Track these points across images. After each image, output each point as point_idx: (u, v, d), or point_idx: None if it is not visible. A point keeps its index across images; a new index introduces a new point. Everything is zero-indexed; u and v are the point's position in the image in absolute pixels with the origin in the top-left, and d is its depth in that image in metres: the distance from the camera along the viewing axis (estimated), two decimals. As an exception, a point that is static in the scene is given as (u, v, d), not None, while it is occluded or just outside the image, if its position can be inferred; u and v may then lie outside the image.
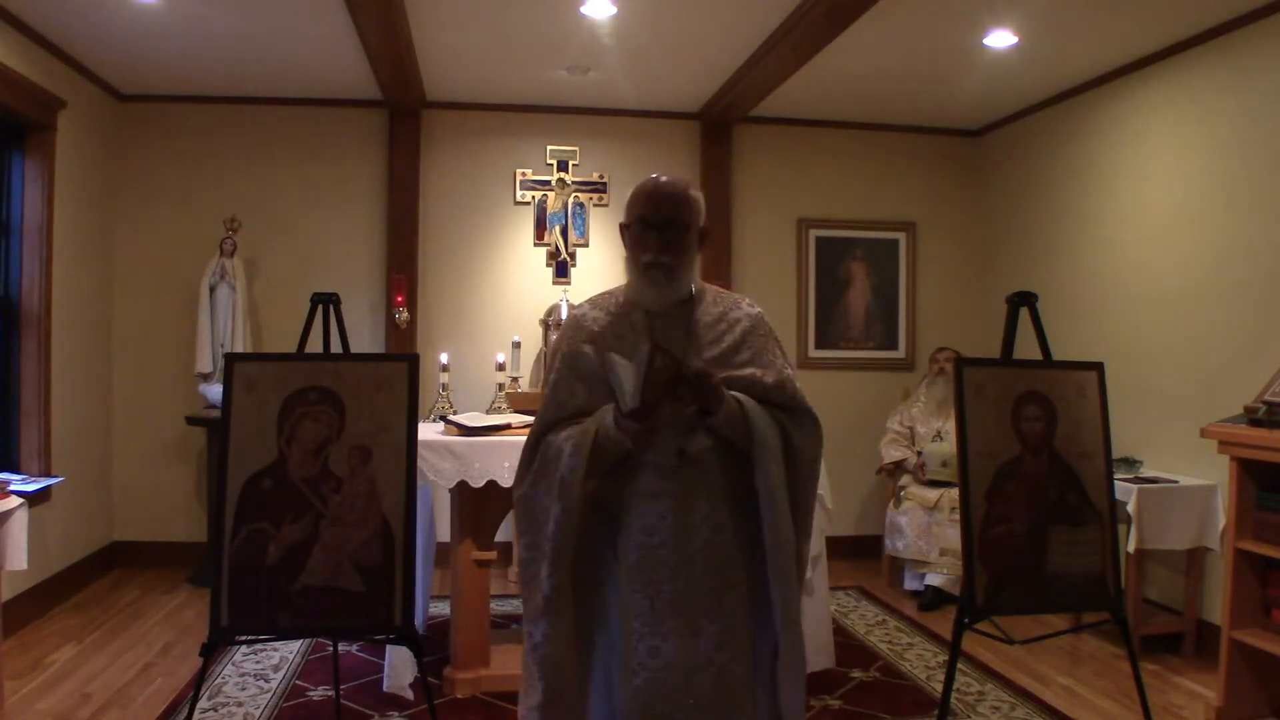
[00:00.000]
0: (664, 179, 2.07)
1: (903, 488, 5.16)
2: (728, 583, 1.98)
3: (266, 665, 3.82)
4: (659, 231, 2.00)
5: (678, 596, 1.94)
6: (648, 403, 1.84)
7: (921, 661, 4.03)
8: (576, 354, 2.05)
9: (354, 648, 4.01)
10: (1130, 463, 4.37)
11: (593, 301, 2.15)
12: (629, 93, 5.41)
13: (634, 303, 2.08)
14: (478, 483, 3.51)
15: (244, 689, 3.56)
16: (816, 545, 3.50)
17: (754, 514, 2.00)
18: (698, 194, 2.08)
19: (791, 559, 1.97)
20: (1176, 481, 4.16)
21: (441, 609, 4.49)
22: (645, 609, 1.94)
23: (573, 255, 5.81)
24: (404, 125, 5.60)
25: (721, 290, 2.19)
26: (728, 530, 1.99)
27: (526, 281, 5.77)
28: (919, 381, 5.65)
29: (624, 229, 2.09)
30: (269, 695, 3.51)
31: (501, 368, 4.67)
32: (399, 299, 5.40)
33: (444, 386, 4.45)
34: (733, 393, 1.96)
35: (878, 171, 6.08)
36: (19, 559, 3.34)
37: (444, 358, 4.52)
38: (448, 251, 5.71)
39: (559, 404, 2.04)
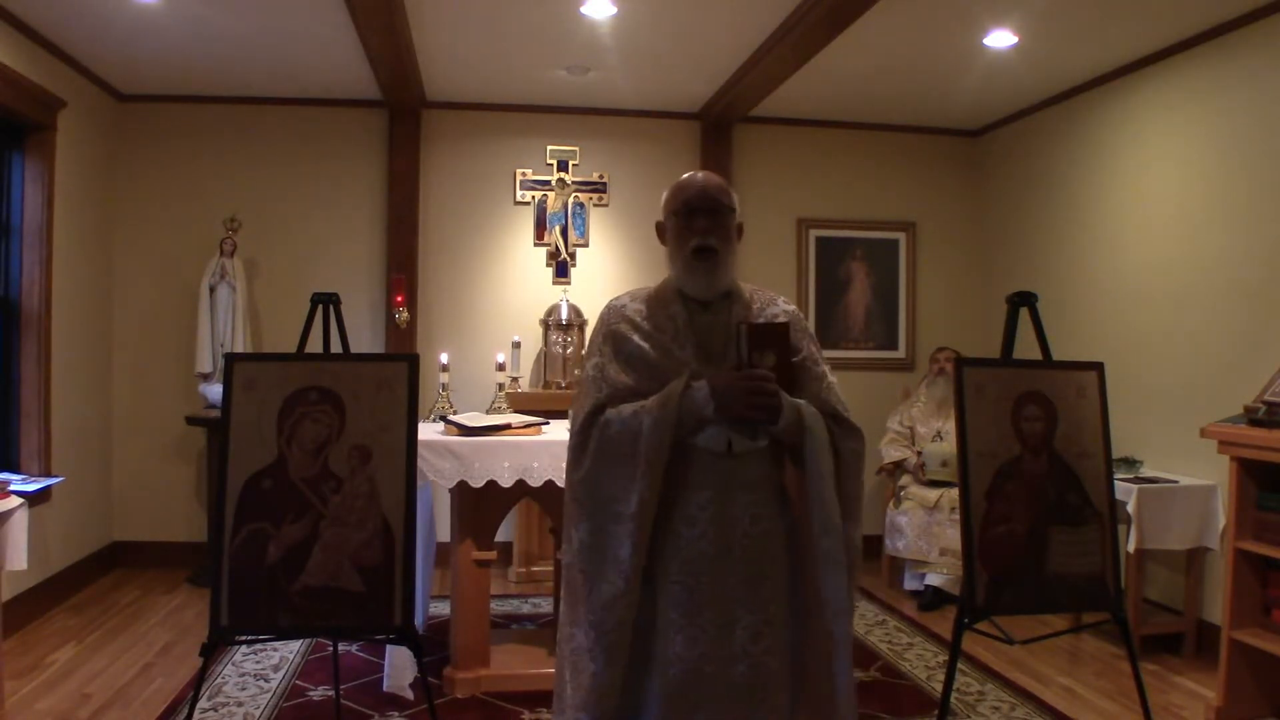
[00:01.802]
0: (701, 173, 2.14)
1: (903, 488, 5.16)
2: (764, 573, 1.99)
3: (266, 665, 3.82)
4: (706, 216, 2.05)
5: (715, 587, 1.95)
6: (753, 365, 1.95)
7: (921, 661, 4.03)
8: (622, 337, 2.06)
9: (354, 648, 4.01)
10: (1130, 463, 4.37)
11: (630, 294, 2.17)
12: (629, 93, 5.41)
13: (673, 297, 2.09)
14: (478, 483, 3.51)
15: (244, 689, 3.56)
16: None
17: (788, 508, 2.04)
18: (732, 190, 2.15)
19: (841, 545, 1.98)
20: (1176, 481, 4.16)
21: (441, 609, 4.49)
22: (683, 599, 1.95)
23: (573, 255, 5.81)
24: (404, 125, 5.60)
25: (756, 287, 2.22)
26: (766, 521, 2.01)
27: (526, 281, 5.77)
28: (919, 381, 5.64)
29: (662, 225, 2.14)
30: (269, 695, 3.51)
31: (501, 368, 4.67)
32: (399, 299, 5.40)
33: (444, 386, 4.45)
34: (790, 399, 2.00)
35: (878, 171, 6.08)
36: (19, 559, 3.34)
37: (444, 358, 4.52)
38: (448, 251, 5.71)
39: (609, 383, 2.02)
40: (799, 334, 2.11)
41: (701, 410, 1.94)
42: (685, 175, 2.14)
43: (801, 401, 2.01)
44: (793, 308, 2.19)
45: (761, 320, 2.09)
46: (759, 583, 1.98)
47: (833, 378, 2.15)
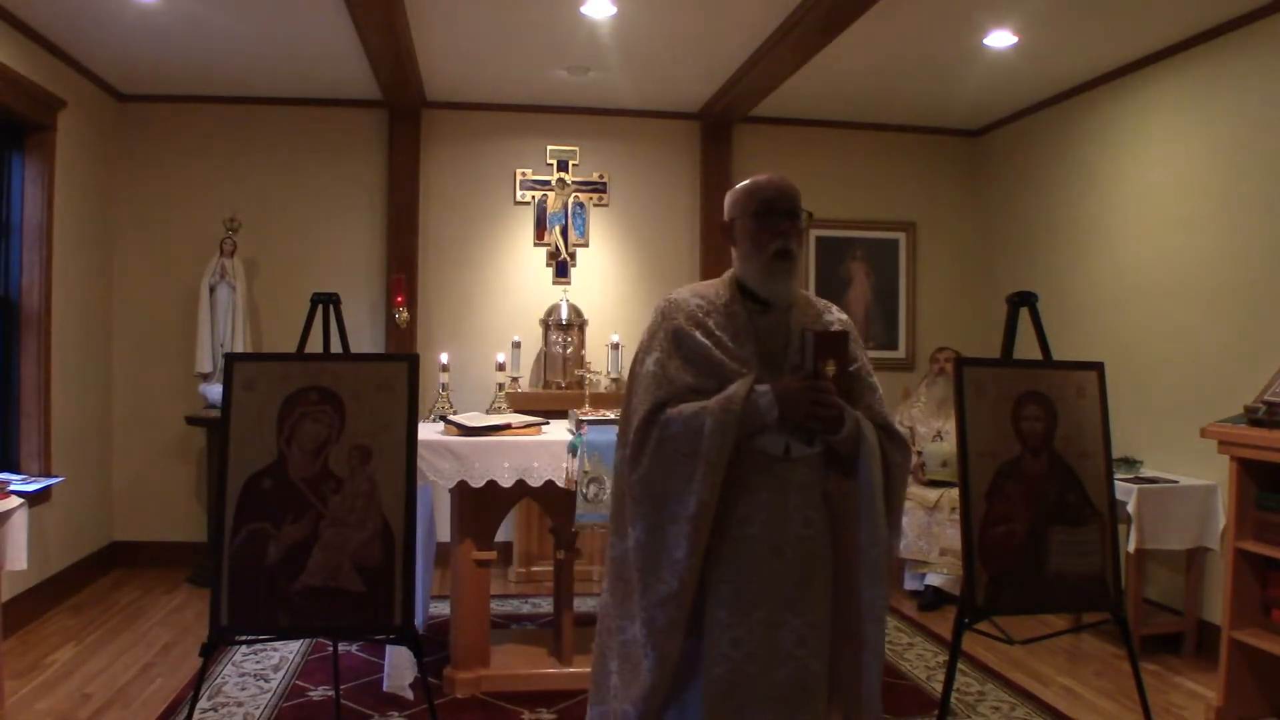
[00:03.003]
0: (776, 175, 2.11)
1: (903, 488, 5.16)
2: (812, 576, 2.00)
3: (266, 665, 3.82)
4: (789, 218, 2.03)
5: (765, 588, 1.95)
6: (818, 373, 1.96)
7: (921, 661, 4.03)
8: (684, 334, 2.02)
9: (354, 648, 4.01)
10: (1130, 463, 4.37)
11: (690, 289, 2.13)
12: (629, 93, 5.41)
13: (735, 295, 2.07)
14: (478, 483, 3.51)
15: (244, 689, 3.56)
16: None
17: (831, 512, 2.04)
18: None
19: (885, 556, 1.99)
20: (1176, 481, 4.16)
21: (441, 609, 4.49)
22: (731, 598, 1.95)
23: (573, 255, 5.81)
24: (404, 125, 5.60)
25: (811, 295, 2.21)
26: (816, 525, 2.02)
27: (526, 281, 5.77)
28: (919, 381, 5.64)
29: (729, 225, 2.11)
30: (269, 695, 3.51)
31: (501, 368, 4.67)
32: (399, 299, 5.40)
33: (444, 386, 4.45)
34: (850, 410, 2.00)
35: (878, 171, 6.08)
36: (19, 559, 3.35)
37: (444, 358, 4.52)
38: (448, 251, 5.71)
39: (670, 380, 1.99)
40: (853, 343, 2.10)
41: (765, 415, 1.94)
42: (759, 176, 2.10)
43: (858, 413, 2.02)
44: (845, 316, 2.18)
45: (818, 327, 2.08)
46: (807, 585, 1.99)
47: (879, 386, 2.16)
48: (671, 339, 2.03)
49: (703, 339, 2.01)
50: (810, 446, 2.01)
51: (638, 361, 2.08)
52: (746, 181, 2.12)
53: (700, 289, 2.13)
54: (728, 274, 2.14)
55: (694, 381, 1.99)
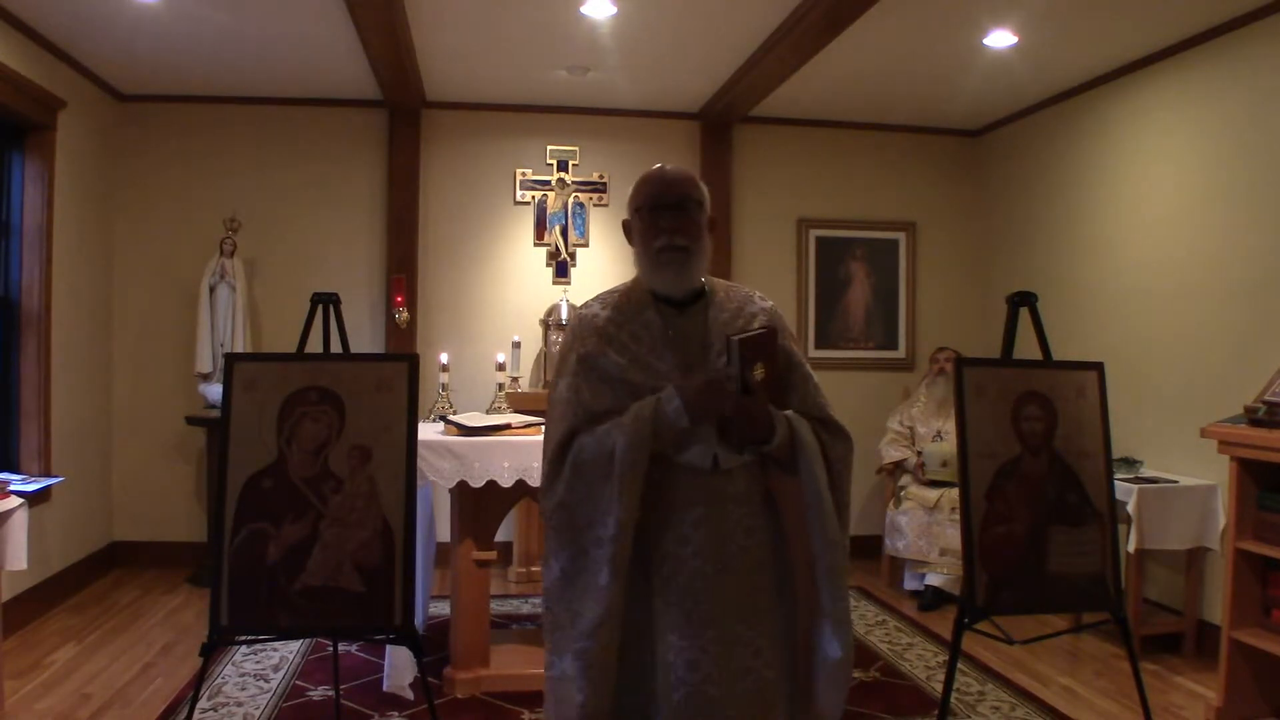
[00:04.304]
0: (668, 166, 2.03)
1: (903, 488, 5.16)
2: (759, 585, 1.94)
3: (266, 665, 3.82)
4: (672, 213, 1.94)
5: (714, 605, 1.88)
6: (746, 381, 1.85)
7: (921, 661, 4.03)
8: (594, 355, 1.95)
9: (354, 648, 4.01)
10: (1130, 463, 4.37)
11: (600, 300, 2.05)
12: (629, 93, 5.41)
13: (646, 299, 2.00)
14: (478, 483, 3.51)
15: (244, 689, 3.56)
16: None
17: (775, 514, 1.99)
18: (702, 182, 2.03)
19: (843, 559, 1.93)
20: (1176, 481, 4.16)
21: (441, 609, 4.49)
22: (681, 622, 1.88)
23: (573, 255, 5.81)
24: (404, 125, 5.60)
25: (730, 284, 2.13)
26: (759, 533, 1.96)
27: (526, 281, 5.77)
28: (919, 381, 5.64)
29: (628, 223, 2.03)
30: (269, 695, 3.51)
31: (501, 368, 4.67)
32: (399, 299, 5.40)
33: (444, 386, 4.45)
34: (778, 414, 1.92)
35: (878, 171, 6.08)
36: (19, 559, 3.34)
37: (444, 358, 4.52)
38: (448, 251, 5.71)
39: (583, 406, 1.92)
40: (781, 335, 2.01)
41: (676, 423, 1.85)
42: (652, 169, 2.02)
43: (789, 413, 1.95)
44: (770, 303, 2.08)
45: (740, 323, 1.99)
46: (755, 595, 1.93)
47: (814, 380, 2.06)
48: (582, 362, 1.95)
49: (616, 357, 1.93)
50: (741, 455, 1.93)
51: (552, 384, 2.01)
52: (643, 175, 2.03)
53: (609, 298, 2.04)
54: (637, 276, 2.05)
55: (610, 404, 1.91)
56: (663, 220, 1.94)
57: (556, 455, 1.91)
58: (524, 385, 5.51)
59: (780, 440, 1.91)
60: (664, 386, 1.90)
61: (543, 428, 3.67)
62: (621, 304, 2.01)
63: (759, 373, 1.88)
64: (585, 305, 2.07)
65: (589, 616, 1.84)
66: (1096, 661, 4.05)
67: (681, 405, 1.85)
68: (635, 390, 1.92)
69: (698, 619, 1.88)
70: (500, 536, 3.93)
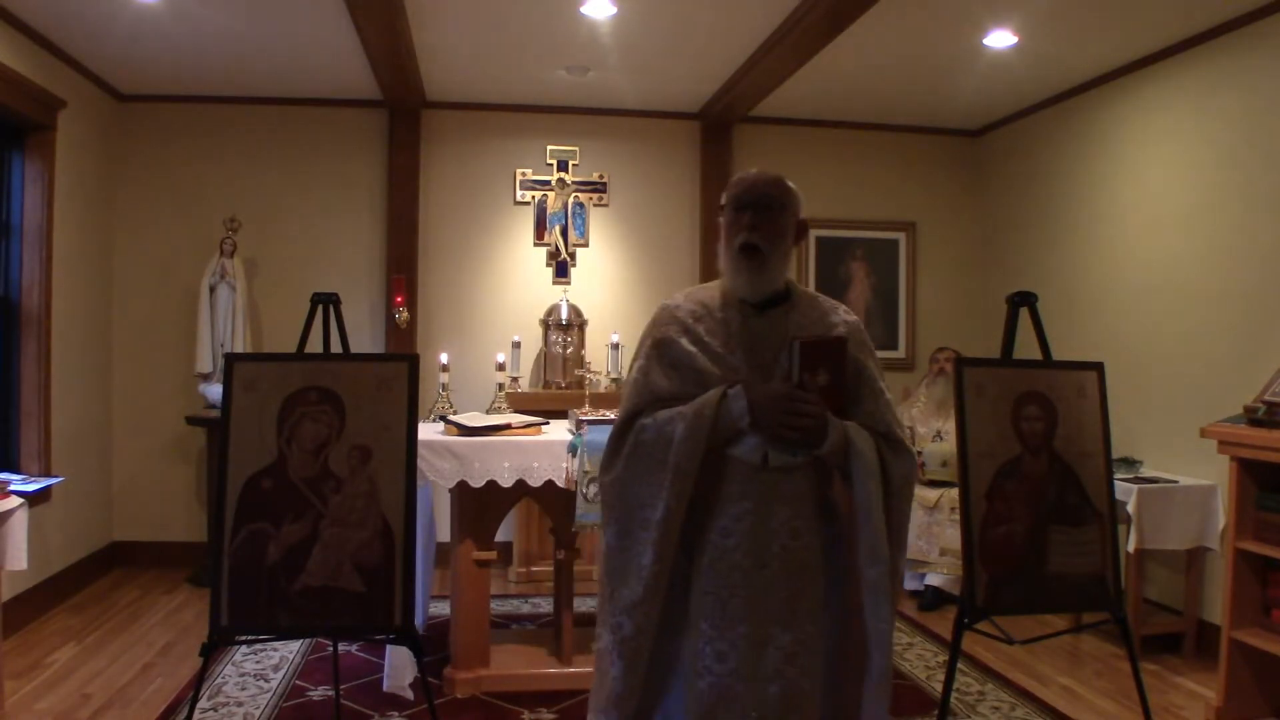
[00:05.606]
0: (757, 170, 2.07)
1: (903, 488, 5.15)
2: (802, 590, 1.93)
3: (266, 665, 3.82)
4: (752, 212, 1.98)
5: (750, 601, 1.89)
6: (804, 383, 1.89)
7: (921, 661, 4.03)
8: (668, 341, 2.00)
9: (354, 648, 4.01)
10: (1130, 463, 4.37)
11: (687, 294, 2.10)
12: (629, 93, 5.41)
13: (729, 298, 2.03)
14: (478, 483, 3.51)
15: (244, 689, 3.56)
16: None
17: (832, 521, 1.99)
18: (794, 186, 2.06)
19: (887, 577, 1.90)
20: (1176, 481, 4.16)
21: (441, 609, 4.49)
22: (715, 611, 1.90)
23: (573, 255, 5.81)
24: (404, 125, 5.60)
25: (820, 295, 2.13)
26: (805, 536, 1.94)
27: (526, 281, 5.77)
28: (919, 381, 5.64)
29: (719, 225, 2.07)
30: (269, 695, 3.51)
31: (501, 368, 4.67)
32: (399, 299, 5.40)
33: (444, 386, 4.45)
34: (837, 422, 1.92)
35: (878, 171, 6.08)
36: (19, 559, 3.34)
37: (444, 358, 4.52)
38: (448, 251, 5.71)
39: (650, 388, 1.98)
40: (857, 347, 2.01)
41: (737, 422, 1.89)
42: (746, 171, 2.09)
43: (851, 424, 1.94)
44: (854, 319, 2.08)
45: (817, 334, 1.99)
46: (796, 600, 1.91)
47: (889, 394, 2.07)
48: (656, 346, 2.01)
49: (689, 346, 1.98)
50: (793, 456, 1.93)
51: (630, 368, 2.07)
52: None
53: (696, 293, 2.09)
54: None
55: (675, 388, 1.96)
56: (743, 218, 1.98)
57: (619, 433, 1.98)
58: (524, 385, 5.51)
59: (832, 446, 1.91)
60: (732, 379, 1.93)
61: (543, 428, 3.72)
62: (705, 299, 2.06)
63: (821, 379, 1.91)
64: (672, 297, 2.12)
65: (629, 594, 1.90)
66: (1096, 661, 4.05)
67: (746, 405, 1.89)
68: (702, 379, 1.95)
69: (731, 612, 1.90)
70: (500, 536, 3.93)
